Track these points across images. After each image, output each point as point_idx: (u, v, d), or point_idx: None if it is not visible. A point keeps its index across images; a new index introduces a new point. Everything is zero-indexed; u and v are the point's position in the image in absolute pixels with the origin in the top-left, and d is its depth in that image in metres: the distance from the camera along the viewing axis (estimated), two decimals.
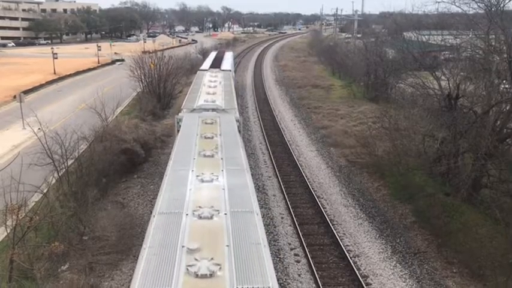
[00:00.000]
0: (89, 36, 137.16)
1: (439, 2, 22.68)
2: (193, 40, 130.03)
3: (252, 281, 6.49)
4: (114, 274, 14.48)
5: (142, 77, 38.16)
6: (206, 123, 15.04)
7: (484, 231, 15.89)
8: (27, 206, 15.20)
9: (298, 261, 15.45)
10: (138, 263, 7.13)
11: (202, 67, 31.31)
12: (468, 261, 14.92)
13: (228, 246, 7.34)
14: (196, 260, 6.90)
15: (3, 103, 40.63)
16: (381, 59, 40.85)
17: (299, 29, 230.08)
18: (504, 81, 18.75)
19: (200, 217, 8.19)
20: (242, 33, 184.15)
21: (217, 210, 8.44)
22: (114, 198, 20.28)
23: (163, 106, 36.86)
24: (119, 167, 22.07)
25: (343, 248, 15.97)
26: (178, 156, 11.87)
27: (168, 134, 27.00)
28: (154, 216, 8.41)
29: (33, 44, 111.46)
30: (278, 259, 15.37)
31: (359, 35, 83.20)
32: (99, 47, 76.91)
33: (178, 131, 15.32)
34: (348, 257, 15.42)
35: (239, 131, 15.09)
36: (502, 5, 19.22)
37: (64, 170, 18.41)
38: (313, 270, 14.64)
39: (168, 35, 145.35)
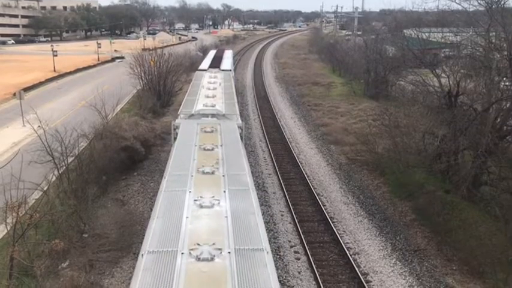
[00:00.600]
0: (88, 33, 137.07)
1: None
2: (193, 37, 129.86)
3: None
4: (114, 271, 14.51)
5: (142, 75, 38.11)
6: (206, 131, 13.88)
7: (483, 229, 15.90)
8: (27, 204, 15.20)
9: (298, 259, 15.46)
10: None
11: (201, 67, 29.95)
12: (468, 258, 14.93)
13: None
14: None
15: (3, 100, 40.64)
16: (381, 56, 40.79)
17: (299, 27, 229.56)
18: (504, 79, 18.74)
19: (199, 258, 6.95)
20: (242, 30, 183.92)
21: (220, 249, 7.20)
22: (114, 195, 20.30)
23: (163, 104, 36.83)
24: (119, 164, 22.09)
25: (343, 246, 15.98)
26: (173, 172, 10.53)
27: (168, 132, 26.87)
28: (143, 255, 7.17)
29: (33, 42, 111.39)
30: (278, 257, 15.39)
31: (359, 33, 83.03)
32: (99, 44, 76.79)
33: (175, 138, 14.36)
34: (348, 255, 15.43)
35: (241, 138, 14.02)
36: (502, 2, 19.17)
37: (64, 167, 18.41)
38: (313, 268, 14.66)
39: (168, 33, 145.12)
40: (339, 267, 14.99)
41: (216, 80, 23.00)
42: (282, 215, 18.66)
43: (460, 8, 21.36)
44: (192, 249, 7.17)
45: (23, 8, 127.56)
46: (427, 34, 26.00)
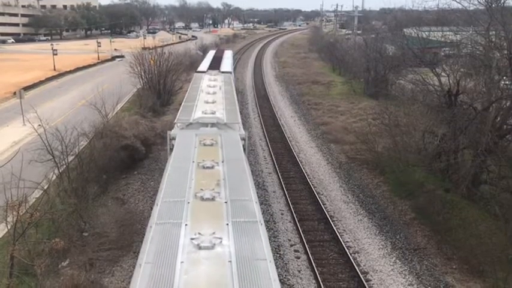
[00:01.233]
0: (88, 32, 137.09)
1: None
2: (193, 36, 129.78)
3: None
4: (114, 270, 14.53)
5: (142, 74, 38.13)
6: (205, 144, 12.37)
7: (483, 227, 15.92)
8: (27, 202, 15.22)
9: (298, 258, 15.48)
10: None
11: (200, 68, 28.42)
12: (468, 257, 14.94)
13: None
14: None
15: (3, 99, 40.66)
16: (381, 55, 40.82)
17: (299, 25, 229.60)
18: (504, 78, 18.74)
19: None
20: (242, 29, 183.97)
21: None
22: (115, 194, 20.32)
23: (163, 102, 36.87)
24: (119, 163, 22.12)
25: (343, 244, 16.00)
26: (167, 198, 8.89)
27: (169, 129, 26.94)
28: None
29: (32, 41, 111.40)
30: (278, 255, 15.41)
31: (359, 31, 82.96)
32: (99, 43, 76.84)
33: (171, 149, 13.17)
34: (348, 253, 15.44)
35: (244, 150, 12.72)
36: (502, 1, 19.18)
37: (64, 166, 18.43)
38: (313, 267, 14.68)
39: (168, 32, 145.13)
40: (339, 266, 15.01)
41: (215, 83, 21.74)
42: (282, 214, 18.68)
43: (460, 6, 21.34)
44: None
45: (23, 6, 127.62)
46: (427, 33, 25.98)
